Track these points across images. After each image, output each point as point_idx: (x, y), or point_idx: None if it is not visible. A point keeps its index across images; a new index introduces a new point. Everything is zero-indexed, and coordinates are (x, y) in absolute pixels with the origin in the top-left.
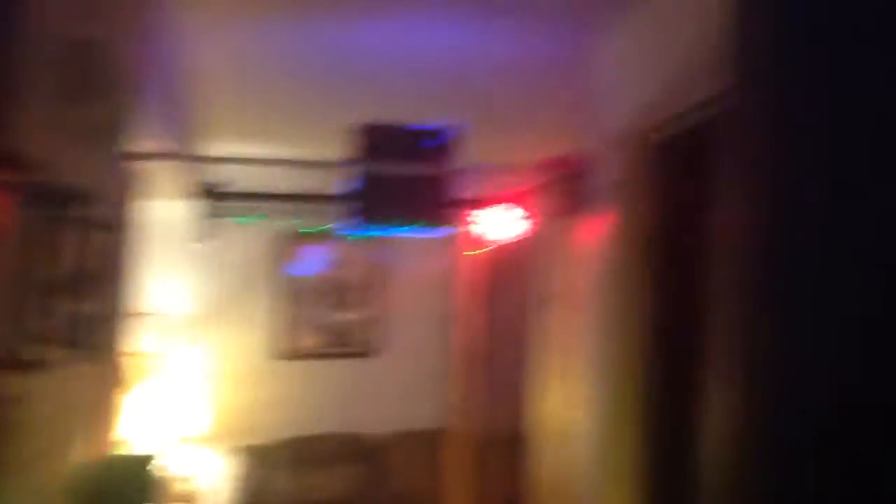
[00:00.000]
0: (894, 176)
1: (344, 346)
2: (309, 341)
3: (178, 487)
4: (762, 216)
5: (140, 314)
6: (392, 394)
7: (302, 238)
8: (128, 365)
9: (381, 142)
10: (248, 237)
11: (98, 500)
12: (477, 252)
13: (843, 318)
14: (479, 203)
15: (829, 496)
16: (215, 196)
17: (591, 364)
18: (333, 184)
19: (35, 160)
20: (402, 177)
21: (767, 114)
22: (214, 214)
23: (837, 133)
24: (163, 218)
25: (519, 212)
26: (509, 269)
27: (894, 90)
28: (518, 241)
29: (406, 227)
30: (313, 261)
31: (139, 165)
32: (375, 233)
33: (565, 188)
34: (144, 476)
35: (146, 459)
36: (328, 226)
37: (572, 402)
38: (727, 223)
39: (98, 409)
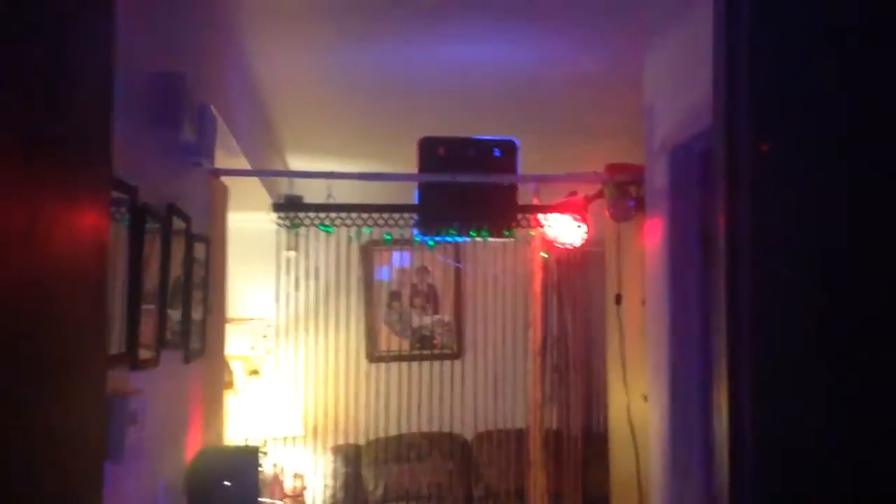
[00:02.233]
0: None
1: (429, 348)
2: (395, 344)
3: (287, 483)
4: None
5: (239, 319)
6: (476, 394)
7: (384, 246)
8: (232, 366)
9: (457, 153)
10: (333, 246)
11: (213, 484)
12: (548, 255)
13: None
14: (547, 209)
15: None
16: (297, 207)
17: (657, 361)
18: (411, 194)
19: (134, 180)
20: (473, 185)
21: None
22: (298, 225)
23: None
24: (251, 229)
25: (584, 217)
26: (579, 271)
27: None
28: (585, 245)
29: (478, 234)
30: (397, 266)
31: (227, 181)
32: (450, 239)
33: (628, 193)
34: (255, 463)
35: (256, 449)
36: (407, 233)
37: (646, 399)
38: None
39: (209, 404)
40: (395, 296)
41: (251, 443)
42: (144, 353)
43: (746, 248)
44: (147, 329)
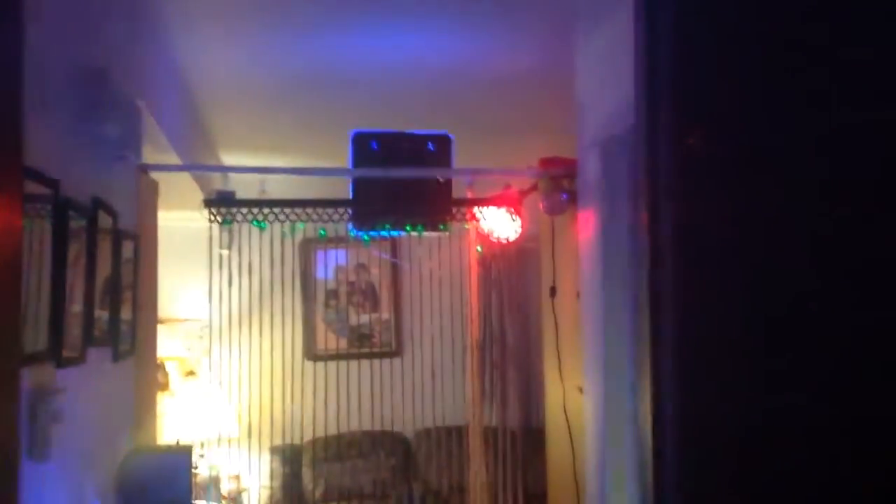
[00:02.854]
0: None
1: (368, 346)
2: (334, 342)
3: (224, 485)
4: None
5: (174, 320)
6: (416, 392)
7: (321, 242)
8: (166, 368)
9: (391, 147)
10: (267, 243)
11: (144, 485)
12: (484, 249)
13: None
14: (481, 202)
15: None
16: (229, 203)
17: (591, 354)
18: (346, 188)
19: (56, 173)
20: (408, 179)
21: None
22: (231, 221)
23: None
24: (185, 227)
25: (518, 210)
26: (516, 265)
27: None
28: (521, 240)
29: (414, 228)
30: (333, 263)
31: (157, 178)
32: (386, 233)
33: (561, 186)
34: (187, 463)
35: (188, 448)
36: (342, 229)
37: (581, 391)
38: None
39: (141, 405)
40: (332, 294)
41: (184, 443)
42: (70, 352)
43: (668, 243)
44: (73, 326)
